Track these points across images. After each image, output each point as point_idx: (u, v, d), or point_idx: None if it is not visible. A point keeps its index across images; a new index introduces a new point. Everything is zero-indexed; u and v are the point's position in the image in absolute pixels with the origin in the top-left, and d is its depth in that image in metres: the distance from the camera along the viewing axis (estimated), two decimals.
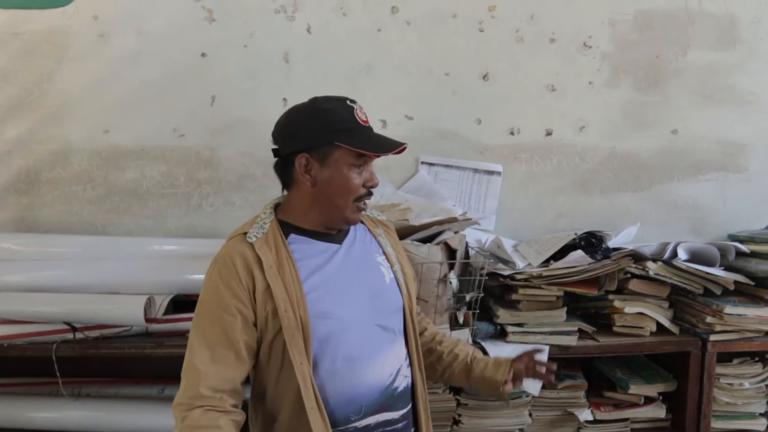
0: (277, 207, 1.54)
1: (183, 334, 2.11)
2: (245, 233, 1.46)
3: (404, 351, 1.54)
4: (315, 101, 1.49)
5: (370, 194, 1.47)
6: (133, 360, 2.30)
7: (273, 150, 1.52)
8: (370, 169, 1.46)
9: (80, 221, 2.44)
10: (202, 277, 2.08)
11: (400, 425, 1.49)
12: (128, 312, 2.01)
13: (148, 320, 2.03)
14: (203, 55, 2.41)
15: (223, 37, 2.40)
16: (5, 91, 2.39)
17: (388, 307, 1.52)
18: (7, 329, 2.05)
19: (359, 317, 1.45)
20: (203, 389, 1.33)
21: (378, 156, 1.44)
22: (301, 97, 2.41)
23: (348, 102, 1.45)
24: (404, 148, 1.47)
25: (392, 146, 1.44)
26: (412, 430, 1.55)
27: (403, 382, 1.51)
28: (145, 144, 2.43)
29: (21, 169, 2.43)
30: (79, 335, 2.04)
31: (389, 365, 1.48)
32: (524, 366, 1.61)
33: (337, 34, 2.42)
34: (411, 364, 1.55)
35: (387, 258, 1.56)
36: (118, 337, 2.09)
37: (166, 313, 2.10)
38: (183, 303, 2.18)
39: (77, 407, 2.16)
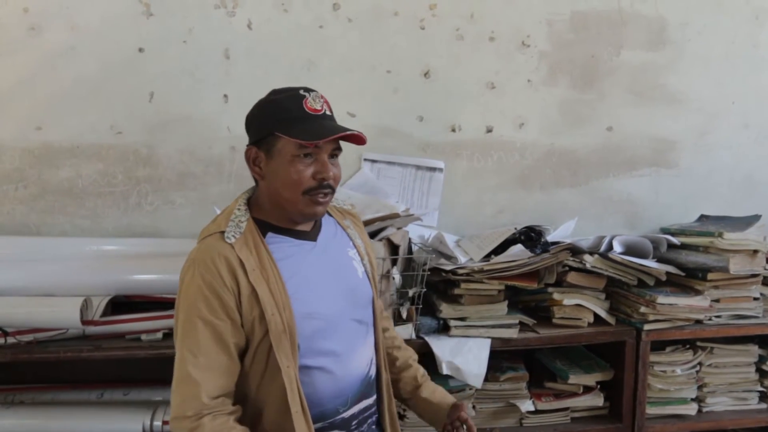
0: (248, 202, 1.50)
1: (122, 336, 2.06)
2: (222, 232, 1.40)
3: (373, 341, 1.58)
4: (270, 93, 1.47)
5: (324, 186, 1.39)
6: (70, 364, 2.21)
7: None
8: (322, 160, 1.39)
9: (11, 222, 2.35)
10: (142, 277, 2.11)
11: (373, 409, 1.55)
12: (63, 314, 1.95)
13: (84, 322, 1.97)
14: (141, 50, 2.35)
15: (161, 32, 2.35)
16: None
17: (361, 300, 1.53)
18: None
19: (340, 313, 1.46)
20: (206, 399, 1.31)
21: (311, 144, 1.36)
22: (242, 94, 2.44)
23: (301, 92, 1.41)
24: (358, 137, 1.42)
25: (330, 132, 1.37)
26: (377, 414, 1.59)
27: (373, 370, 1.56)
28: (81, 142, 2.36)
29: None
30: (11, 340, 1.96)
31: (366, 356, 1.53)
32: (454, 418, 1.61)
33: (278, 31, 2.40)
34: (377, 351, 1.59)
35: (357, 251, 1.57)
36: (53, 341, 2.02)
37: (104, 314, 2.04)
38: (122, 304, 2.13)
39: (11, 415, 2.06)
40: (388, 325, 1.76)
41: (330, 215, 1.60)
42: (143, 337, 2.04)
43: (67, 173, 2.36)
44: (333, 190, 1.43)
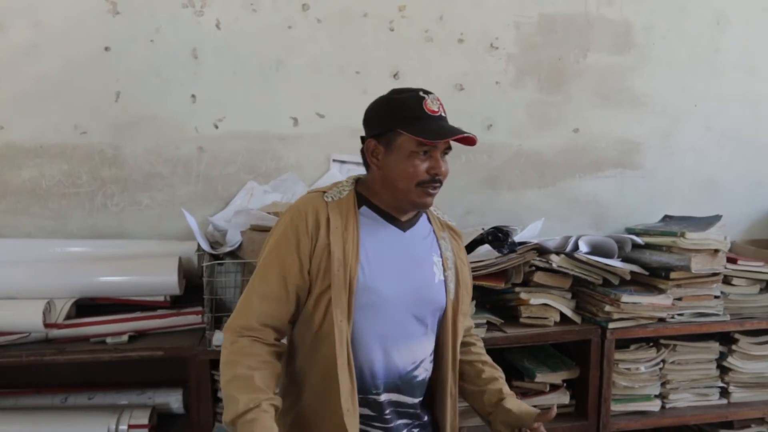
0: (357, 181, 1.62)
1: (87, 339, 2.03)
2: (324, 192, 1.55)
3: (431, 348, 1.60)
4: (391, 92, 1.57)
5: (435, 181, 1.49)
6: (32, 369, 2.19)
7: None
8: (436, 157, 1.49)
9: None
10: (108, 278, 2.09)
11: (411, 411, 1.58)
12: (25, 317, 1.93)
13: (47, 325, 1.95)
14: (107, 49, 2.32)
15: (127, 31, 2.33)
16: None
17: (428, 303, 1.57)
18: None
19: (399, 302, 1.52)
20: (253, 322, 1.47)
21: (432, 143, 1.46)
22: (210, 94, 2.42)
23: (421, 93, 1.51)
24: (469, 138, 1.49)
25: (450, 134, 1.47)
26: (427, 418, 1.62)
27: (423, 374, 1.58)
28: (44, 141, 2.32)
29: None
30: None
31: (414, 354, 1.56)
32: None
33: (247, 31, 2.39)
34: (438, 360, 1.61)
35: (443, 261, 1.61)
36: (15, 345, 1.99)
37: (69, 317, 2.02)
38: (88, 307, 2.10)
39: None
40: (476, 341, 1.78)
41: (430, 222, 1.65)
42: (108, 340, 2.02)
43: (30, 173, 2.33)
44: (441, 184, 1.52)
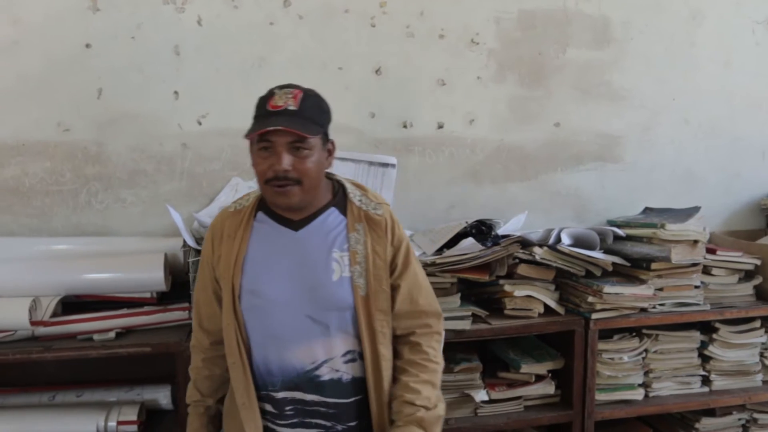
0: None
1: (74, 337, 2.03)
2: (235, 203, 1.67)
3: (342, 348, 1.57)
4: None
5: (279, 178, 1.47)
6: (19, 367, 2.17)
7: None
8: (278, 153, 1.46)
9: None
10: (93, 276, 2.09)
11: (323, 410, 1.58)
12: (11, 315, 1.92)
13: (33, 323, 1.94)
14: (88, 46, 2.31)
15: (108, 27, 2.32)
16: None
17: (325, 302, 1.55)
18: None
19: (288, 303, 1.54)
20: (196, 324, 1.70)
21: (253, 138, 1.48)
22: (193, 91, 2.42)
23: (275, 89, 1.52)
24: (292, 131, 1.45)
25: (262, 127, 1.45)
26: (345, 424, 1.60)
27: (330, 374, 1.56)
28: (26, 139, 2.30)
29: None
30: None
31: (313, 354, 1.55)
32: None
33: (228, 27, 2.39)
34: (369, 362, 1.57)
35: (351, 255, 1.56)
36: (1, 343, 1.97)
37: (55, 315, 2.01)
38: (74, 304, 2.10)
39: None
40: (420, 340, 1.64)
41: (344, 214, 1.60)
42: (95, 337, 2.01)
43: (12, 171, 2.31)
44: (296, 181, 1.48)
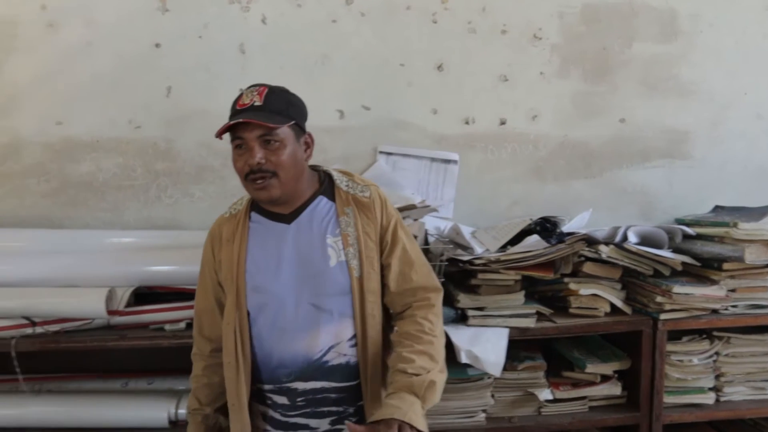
0: None
1: (146, 326, 2.09)
2: (230, 208, 1.71)
3: (347, 332, 1.59)
4: None
5: (254, 171, 1.52)
6: (95, 354, 2.25)
7: None
8: (249, 147, 1.52)
9: (34, 215, 2.39)
10: (162, 268, 2.15)
11: (333, 395, 1.60)
12: (89, 304, 1.98)
13: (110, 312, 2.00)
14: (157, 45, 2.38)
15: (177, 27, 2.38)
16: None
17: (327, 289, 1.58)
18: None
19: (292, 294, 1.58)
20: (196, 333, 1.74)
21: (218, 137, 1.54)
22: None
23: (244, 90, 1.59)
24: (255, 122, 1.50)
25: (234, 117, 1.52)
26: (356, 405, 1.62)
27: (338, 359, 1.59)
28: (100, 136, 2.39)
29: None
30: (38, 330, 2.00)
31: (320, 341, 1.58)
32: None
33: (292, 26, 2.43)
34: (359, 345, 1.59)
35: (343, 238, 1.59)
36: (79, 331, 2.05)
37: (128, 305, 2.07)
38: (145, 295, 2.16)
39: (38, 403, 2.11)
40: (414, 313, 1.61)
41: (332, 200, 1.64)
42: (167, 327, 2.07)
43: (87, 167, 2.40)
44: (273, 174, 1.53)
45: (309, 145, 1.63)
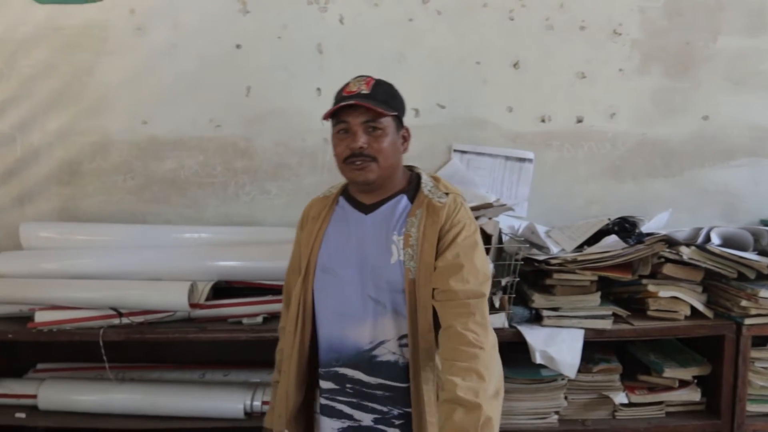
0: None
1: (224, 320, 2.16)
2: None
3: (398, 330, 1.59)
4: None
5: (356, 156, 1.56)
6: (175, 346, 2.35)
7: None
8: (353, 132, 1.56)
9: (120, 210, 2.50)
10: (240, 263, 2.21)
11: (379, 393, 1.60)
12: (172, 297, 2.07)
13: (191, 305, 2.08)
14: (238, 46, 2.45)
15: (256, 28, 2.45)
16: (47, 84, 2.46)
17: (383, 283, 1.58)
18: (56, 315, 2.11)
19: (353, 282, 1.61)
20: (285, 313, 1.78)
21: (325, 118, 1.60)
22: (334, 88, 2.45)
23: (351, 79, 1.63)
24: (376, 110, 1.54)
25: (342, 103, 1.56)
26: (402, 410, 1.60)
27: (386, 356, 1.59)
28: (183, 134, 2.48)
29: (63, 161, 2.50)
30: (124, 320, 2.10)
31: (372, 333, 1.59)
32: None
33: (369, 25, 2.45)
34: (410, 346, 1.56)
35: (405, 238, 1.59)
36: (162, 323, 2.14)
37: (208, 299, 2.15)
38: (223, 290, 2.23)
39: (122, 391, 2.21)
40: (454, 325, 1.49)
41: (411, 201, 1.65)
42: (244, 320, 2.14)
43: (170, 165, 2.50)
44: (372, 158, 1.56)
45: (406, 139, 1.68)
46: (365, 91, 1.57)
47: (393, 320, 1.59)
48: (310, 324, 1.64)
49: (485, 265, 1.61)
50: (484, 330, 1.50)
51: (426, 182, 1.68)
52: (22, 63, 2.45)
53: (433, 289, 1.55)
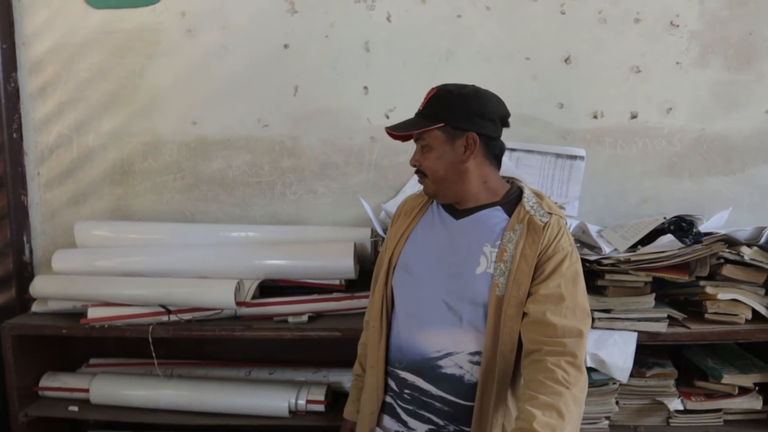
0: None
1: (271, 318, 2.18)
2: None
3: (470, 345, 1.54)
4: None
5: (418, 171, 1.62)
6: (221, 343, 2.39)
7: None
8: (416, 148, 1.61)
9: (170, 209, 2.56)
10: (286, 262, 2.21)
11: (439, 405, 1.57)
12: (219, 295, 2.09)
13: (238, 304, 2.10)
14: (286, 46, 2.46)
15: (304, 28, 2.45)
16: (101, 86, 2.53)
17: (463, 292, 1.54)
18: (108, 311, 2.17)
19: (430, 285, 1.58)
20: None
21: (392, 135, 1.62)
22: (382, 86, 2.49)
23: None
24: (392, 134, 1.60)
25: (396, 128, 1.61)
26: (460, 428, 1.57)
27: (452, 369, 1.55)
28: (231, 134, 2.51)
29: (115, 161, 2.56)
30: (173, 318, 2.13)
31: (440, 342, 1.56)
32: None
33: (416, 22, 2.43)
34: (482, 365, 1.52)
35: (499, 252, 1.53)
36: (209, 320, 2.17)
37: (254, 297, 2.17)
38: (269, 288, 2.25)
39: (170, 386, 2.26)
40: (546, 360, 1.43)
41: (508, 214, 1.58)
42: (290, 319, 2.15)
43: (219, 164, 2.53)
44: (424, 174, 1.60)
45: (467, 146, 1.55)
46: (421, 107, 1.61)
47: (467, 334, 1.54)
48: (386, 320, 1.66)
49: (586, 300, 1.55)
50: (577, 371, 1.44)
51: (528, 197, 1.60)
52: (78, 66, 2.53)
53: (524, 313, 1.51)
